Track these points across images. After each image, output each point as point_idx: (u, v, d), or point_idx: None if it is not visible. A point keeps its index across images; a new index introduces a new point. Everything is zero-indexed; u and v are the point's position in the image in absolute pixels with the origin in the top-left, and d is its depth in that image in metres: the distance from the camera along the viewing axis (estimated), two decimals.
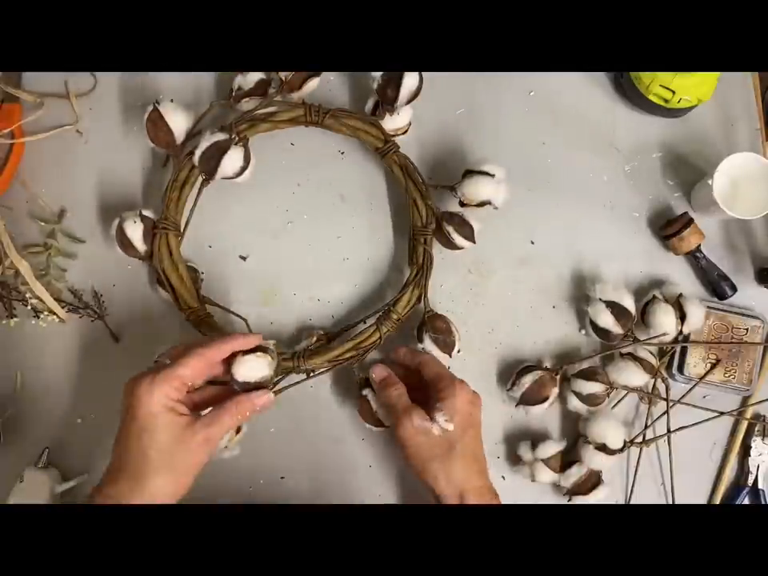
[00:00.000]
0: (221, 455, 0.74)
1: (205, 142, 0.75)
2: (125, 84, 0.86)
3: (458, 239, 0.78)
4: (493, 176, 0.77)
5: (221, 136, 0.75)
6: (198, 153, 0.75)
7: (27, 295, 0.78)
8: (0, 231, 0.77)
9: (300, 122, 0.80)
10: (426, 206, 0.79)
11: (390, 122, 0.81)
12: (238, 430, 0.74)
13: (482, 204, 0.78)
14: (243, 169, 0.77)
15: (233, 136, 0.76)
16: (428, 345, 0.76)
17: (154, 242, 0.77)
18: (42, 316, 0.79)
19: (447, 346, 0.76)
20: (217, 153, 0.75)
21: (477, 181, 0.77)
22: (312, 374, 0.75)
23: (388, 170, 0.82)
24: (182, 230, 0.79)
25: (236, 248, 0.84)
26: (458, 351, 0.78)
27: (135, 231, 0.76)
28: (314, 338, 0.78)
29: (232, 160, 0.75)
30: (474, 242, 0.79)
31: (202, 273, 0.82)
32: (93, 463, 0.79)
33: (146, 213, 0.78)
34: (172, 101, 0.78)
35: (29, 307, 0.78)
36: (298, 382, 0.75)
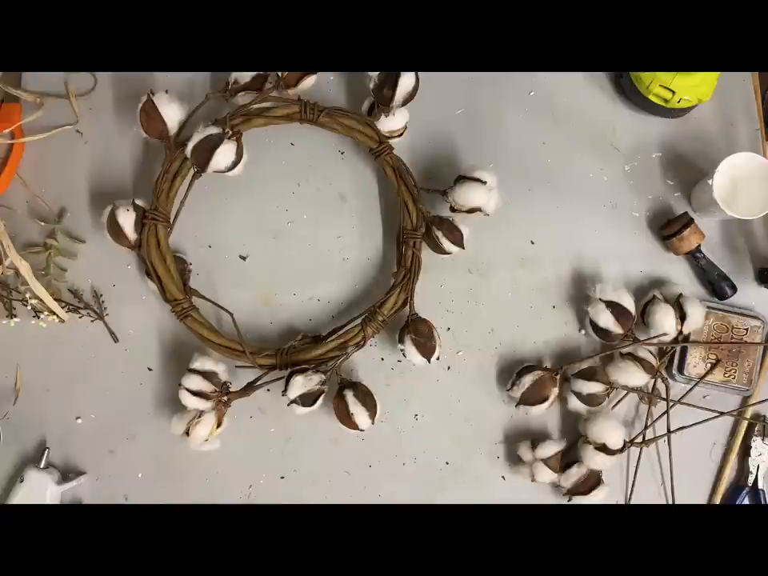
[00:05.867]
0: (201, 448, 0.74)
1: (198, 135, 0.75)
2: (124, 84, 0.86)
3: (447, 244, 0.78)
4: (485, 183, 0.77)
5: (214, 129, 0.75)
6: (190, 145, 0.75)
7: (27, 295, 0.78)
8: (0, 231, 0.77)
9: (295, 118, 0.80)
10: (417, 209, 0.79)
11: (386, 123, 0.81)
12: (219, 425, 0.75)
13: (472, 210, 0.78)
14: (235, 163, 0.77)
15: (226, 130, 0.76)
16: (408, 347, 0.76)
17: (142, 232, 0.77)
18: (42, 316, 0.79)
19: (427, 350, 0.76)
20: (209, 146, 0.75)
21: (468, 188, 0.77)
22: (294, 371, 0.75)
23: (382, 171, 0.82)
24: (171, 222, 0.79)
25: (236, 248, 0.84)
26: (438, 358, 0.78)
27: (127, 219, 0.76)
28: (299, 337, 0.78)
29: (224, 154, 0.75)
30: (463, 248, 0.79)
31: (190, 264, 0.82)
32: (93, 463, 0.79)
33: (139, 202, 0.78)
34: (167, 92, 0.78)
35: (29, 307, 0.78)
36: (278, 379, 0.76)
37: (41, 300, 0.77)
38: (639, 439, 0.79)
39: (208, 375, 0.74)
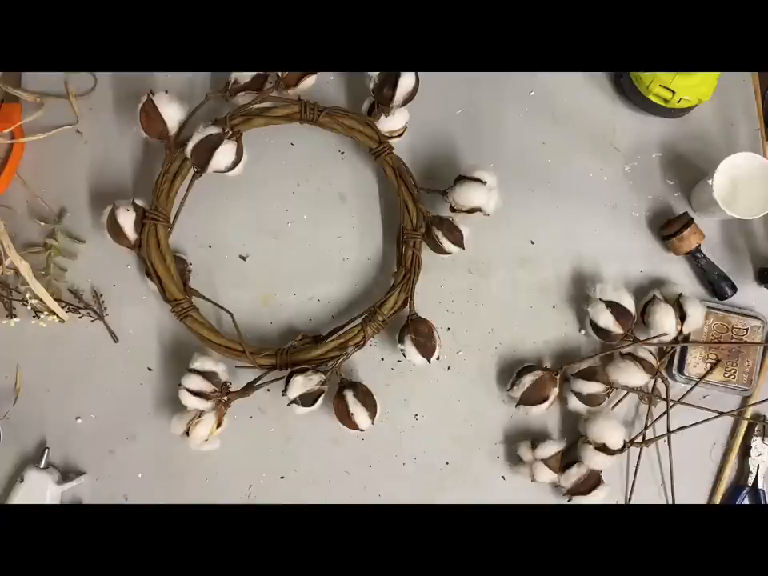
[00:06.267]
0: (201, 448, 0.74)
1: (198, 135, 0.75)
2: (124, 84, 0.86)
3: (447, 244, 0.78)
4: (485, 183, 0.77)
5: (214, 129, 0.75)
6: (190, 145, 0.75)
7: (27, 295, 0.78)
8: (0, 231, 0.77)
9: (295, 118, 0.80)
10: (417, 209, 0.79)
11: (386, 123, 0.81)
12: (219, 425, 0.75)
13: (472, 210, 0.78)
14: (235, 163, 0.77)
15: (226, 130, 0.76)
16: (408, 347, 0.76)
17: (142, 232, 0.77)
18: (42, 316, 0.79)
19: (427, 350, 0.76)
20: (209, 146, 0.75)
21: (468, 188, 0.77)
22: (294, 371, 0.75)
23: (382, 171, 0.82)
24: (171, 222, 0.79)
25: (236, 248, 0.84)
26: (438, 358, 0.78)
27: (127, 219, 0.76)
28: (299, 337, 0.78)
29: (224, 154, 0.75)
30: (463, 248, 0.79)
31: (190, 264, 0.82)
32: (93, 463, 0.79)
33: (139, 202, 0.78)
34: (167, 92, 0.78)
35: (29, 307, 0.78)
36: (278, 379, 0.76)
37: (41, 300, 0.77)
38: (639, 439, 0.79)
39: (208, 375, 0.74)
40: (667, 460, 0.81)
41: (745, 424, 0.82)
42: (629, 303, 0.78)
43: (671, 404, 0.80)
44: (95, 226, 0.83)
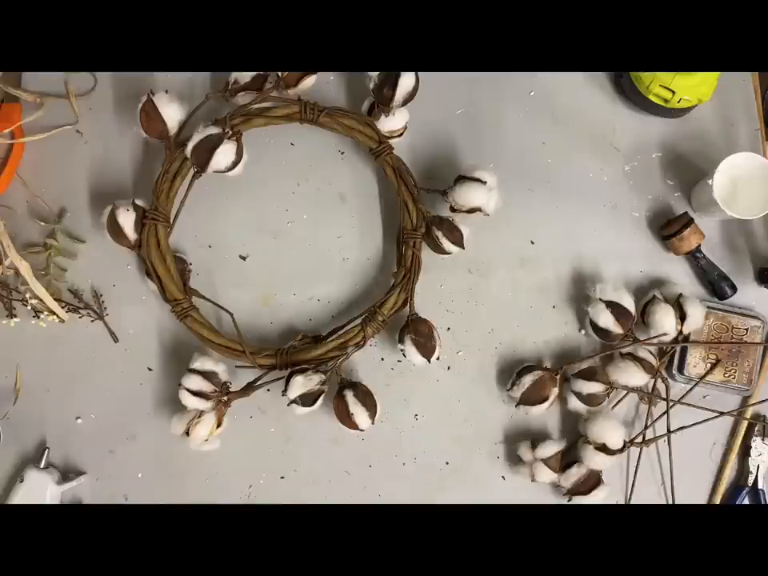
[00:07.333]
0: (201, 448, 0.74)
1: (198, 135, 0.75)
2: (124, 84, 0.86)
3: (447, 244, 0.78)
4: (485, 183, 0.77)
5: (214, 129, 0.75)
6: (190, 145, 0.75)
7: (27, 295, 0.78)
8: (0, 231, 0.77)
9: (295, 118, 0.80)
10: (417, 209, 0.79)
11: (386, 123, 0.81)
12: (219, 425, 0.75)
13: (472, 210, 0.78)
14: (235, 163, 0.77)
15: (226, 130, 0.76)
16: (408, 347, 0.76)
17: (142, 232, 0.77)
18: (42, 316, 0.79)
19: (427, 350, 0.76)
20: (209, 146, 0.75)
21: (468, 188, 0.77)
22: (294, 371, 0.75)
23: (382, 171, 0.82)
24: (171, 222, 0.79)
25: (236, 248, 0.84)
26: (438, 358, 0.78)
27: (127, 219, 0.76)
28: (299, 337, 0.78)
29: (224, 154, 0.75)
30: (463, 248, 0.79)
31: (190, 264, 0.82)
32: (93, 463, 0.79)
33: (139, 202, 0.78)
34: (167, 92, 0.78)
35: (29, 307, 0.78)
36: (278, 379, 0.76)
37: (41, 300, 0.77)
38: (639, 439, 0.79)
39: (208, 375, 0.74)
40: (667, 460, 0.81)
41: (745, 424, 0.82)
42: (629, 303, 0.78)
43: (671, 404, 0.80)
44: (95, 226, 0.83)
